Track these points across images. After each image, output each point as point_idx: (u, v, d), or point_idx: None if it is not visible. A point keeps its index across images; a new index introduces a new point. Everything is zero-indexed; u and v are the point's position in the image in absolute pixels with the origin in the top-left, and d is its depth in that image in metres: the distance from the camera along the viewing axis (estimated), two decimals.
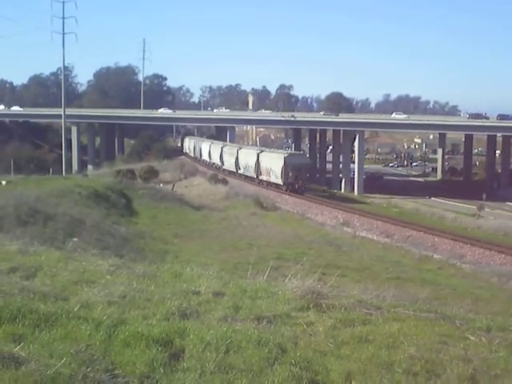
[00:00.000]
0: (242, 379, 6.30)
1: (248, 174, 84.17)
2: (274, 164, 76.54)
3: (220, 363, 6.55)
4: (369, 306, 9.25)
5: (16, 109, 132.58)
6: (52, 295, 8.56)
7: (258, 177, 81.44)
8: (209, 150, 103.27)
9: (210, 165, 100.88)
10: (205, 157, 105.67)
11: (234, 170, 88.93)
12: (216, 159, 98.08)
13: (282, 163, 73.79)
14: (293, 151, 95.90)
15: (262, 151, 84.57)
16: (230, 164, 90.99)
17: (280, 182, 74.44)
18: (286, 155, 77.19)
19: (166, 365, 6.46)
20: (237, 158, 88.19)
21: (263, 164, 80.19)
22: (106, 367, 6.14)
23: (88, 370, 5.95)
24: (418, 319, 8.69)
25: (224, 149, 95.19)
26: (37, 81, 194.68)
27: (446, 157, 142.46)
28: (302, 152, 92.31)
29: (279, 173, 74.10)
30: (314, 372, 6.66)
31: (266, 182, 78.93)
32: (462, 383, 6.60)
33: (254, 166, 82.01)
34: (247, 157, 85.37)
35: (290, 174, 72.91)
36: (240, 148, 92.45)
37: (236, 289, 10.09)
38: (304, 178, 75.56)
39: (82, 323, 7.32)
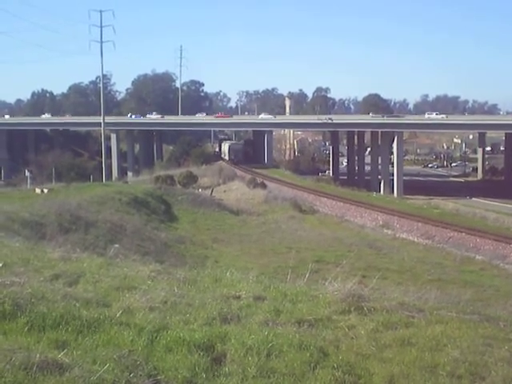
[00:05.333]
0: (284, 383, 6.29)
1: (224, 157, 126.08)
2: (227, 149, 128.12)
3: (262, 367, 6.55)
4: (411, 308, 9.16)
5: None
6: (94, 301, 8.64)
7: (224, 157, 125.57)
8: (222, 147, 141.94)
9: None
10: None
11: (222, 155, 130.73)
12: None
13: (228, 148, 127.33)
14: (235, 141, 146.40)
15: (226, 143, 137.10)
16: (222, 152, 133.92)
17: (227, 158, 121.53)
18: (230, 144, 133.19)
19: (207, 370, 6.48)
20: (222, 148, 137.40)
21: (226, 150, 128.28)
22: (149, 372, 6.18)
23: (131, 375, 5.99)
24: (461, 321, 8.58)
25: (221, 144, 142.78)
26: (76, 90, 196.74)
27: (487, 156, 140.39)
28: (240, 142, 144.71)
29: (227, 153, 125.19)
30: (357, 376, 6.63)
31: (226, 159, 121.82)
32: None
33: (223, 151, 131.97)
34: (225, 147, 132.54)
35: (232, 154, 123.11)
36: (223, 142, 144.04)
37: (276, 293, 10.08)
38: (240, 156, 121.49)
39: (124, 329, 7.37)
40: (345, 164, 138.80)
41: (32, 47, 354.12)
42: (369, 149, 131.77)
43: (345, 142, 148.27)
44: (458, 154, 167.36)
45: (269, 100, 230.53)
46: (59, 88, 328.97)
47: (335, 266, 18.33)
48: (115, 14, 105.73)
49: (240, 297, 9.57)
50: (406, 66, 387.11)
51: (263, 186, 77.69)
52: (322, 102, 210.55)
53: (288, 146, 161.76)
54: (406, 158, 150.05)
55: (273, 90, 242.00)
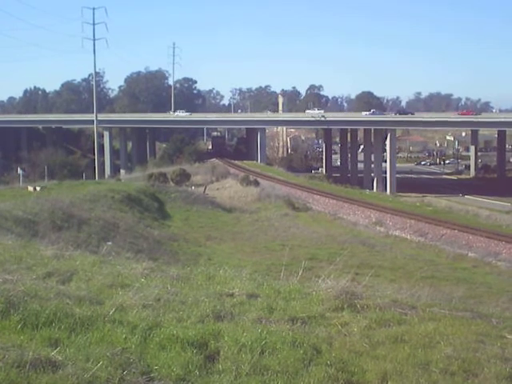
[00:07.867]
0: (278, 381, 6.29)
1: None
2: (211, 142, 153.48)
3: (255, 365, 6.55)
4: (404, 305, 9.18)
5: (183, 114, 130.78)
6: (87, 299, 8.63)
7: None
8: None
9: None
10: None
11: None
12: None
13: (211, 142, 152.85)
14: (217, 135, 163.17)
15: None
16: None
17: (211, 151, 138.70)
18: (211, 137, 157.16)
19: (201, 367, 6.48)
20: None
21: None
22: (142, 370, 6.17)
23: (124, 373, 5.99)
24: (453, 318, 8.61)
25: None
26: (69, 87, 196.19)
27: (479, 154, 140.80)
28: (222, 136, 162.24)
29: (211, 146, 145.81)
30: (350, 373, 6.63)
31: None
32: (500, 382, 6.52)
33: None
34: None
35: (215, 146, 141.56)
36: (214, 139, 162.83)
37: (270, 290, 10.08)
38: (219, 149, 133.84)
39: (117, 326, 7.36)
40: (338, 162, 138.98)
41: (27, 46, 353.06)
42: (362, 146, 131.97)
43: (338, 139, 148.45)
44: (451, 152, 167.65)
45: (262, 97, 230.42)
46: (52, 86, 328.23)
47: (328, 263, 18.31)
48: (108, 12, 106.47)
49: (233, 294, 9.57)
50: (400, 64, 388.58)
51: (256, 183, 77.50)
52: (315, 99, 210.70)
53: (281, 144, 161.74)
54: (399, 155, 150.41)
55: (266, 87, 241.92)
